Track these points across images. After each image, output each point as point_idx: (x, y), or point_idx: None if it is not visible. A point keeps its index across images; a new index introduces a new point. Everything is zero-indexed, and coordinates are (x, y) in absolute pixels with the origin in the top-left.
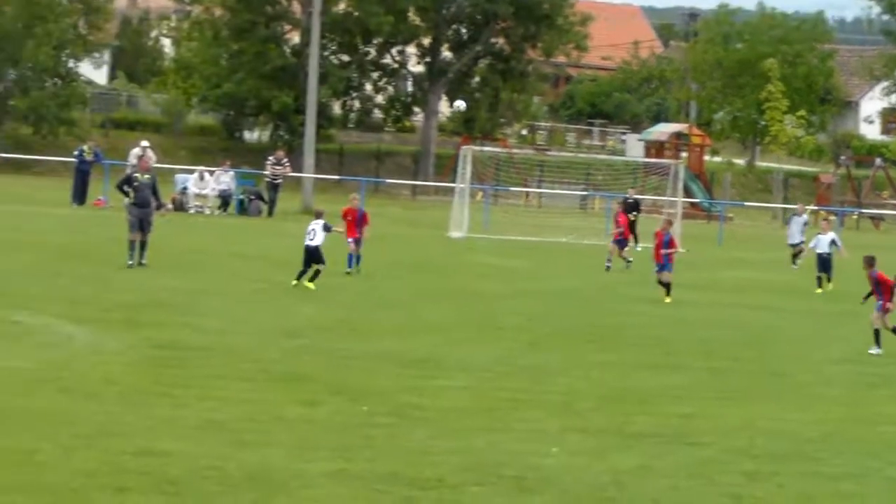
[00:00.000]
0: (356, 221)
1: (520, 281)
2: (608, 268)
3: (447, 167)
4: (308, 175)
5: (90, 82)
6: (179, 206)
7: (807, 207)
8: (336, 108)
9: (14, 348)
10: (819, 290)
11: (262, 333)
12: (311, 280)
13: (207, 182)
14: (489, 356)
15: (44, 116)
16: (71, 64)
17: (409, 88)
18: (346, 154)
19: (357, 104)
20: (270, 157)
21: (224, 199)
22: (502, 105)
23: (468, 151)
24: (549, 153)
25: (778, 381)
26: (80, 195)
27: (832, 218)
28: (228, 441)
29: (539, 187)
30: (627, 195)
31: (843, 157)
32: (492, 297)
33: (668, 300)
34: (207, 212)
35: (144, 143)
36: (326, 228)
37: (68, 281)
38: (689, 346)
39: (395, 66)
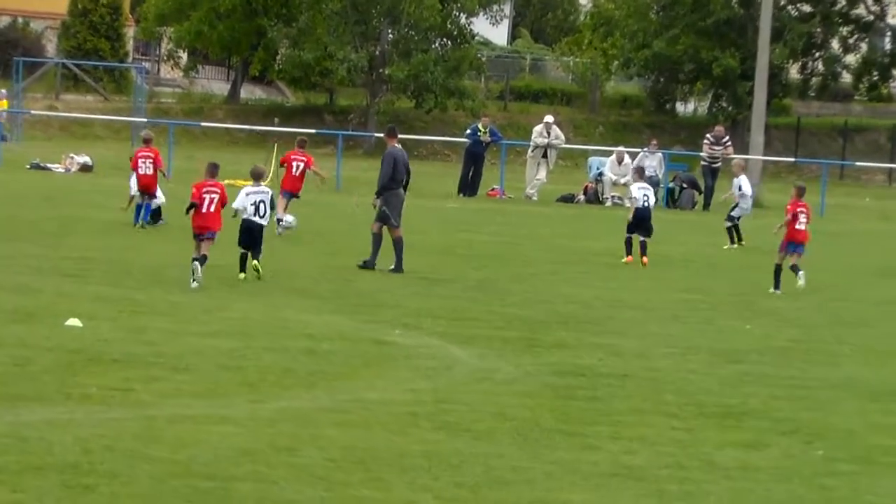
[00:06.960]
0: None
1: None
2: None
3: None
4: (756, 157)
5: (486, 43)
6: (594, 197)
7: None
8: (793, 72)
9: (387, 375)
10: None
11: (692, 357)
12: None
13: (628, 166)
14: None
15: (428, 86)
16: (462, 20)
17: (888, 46)
18: (805, 130)
19: (820, 67)
20: (709, 135)
21: None
22: None
23: None
24: None
25: None
26: (470, 183)
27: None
28: (647, 492)
29: None
30: None
31: None
32: None
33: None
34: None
35: (549, 118)
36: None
37: (451, 291)
38: None
39: (871, 18)
